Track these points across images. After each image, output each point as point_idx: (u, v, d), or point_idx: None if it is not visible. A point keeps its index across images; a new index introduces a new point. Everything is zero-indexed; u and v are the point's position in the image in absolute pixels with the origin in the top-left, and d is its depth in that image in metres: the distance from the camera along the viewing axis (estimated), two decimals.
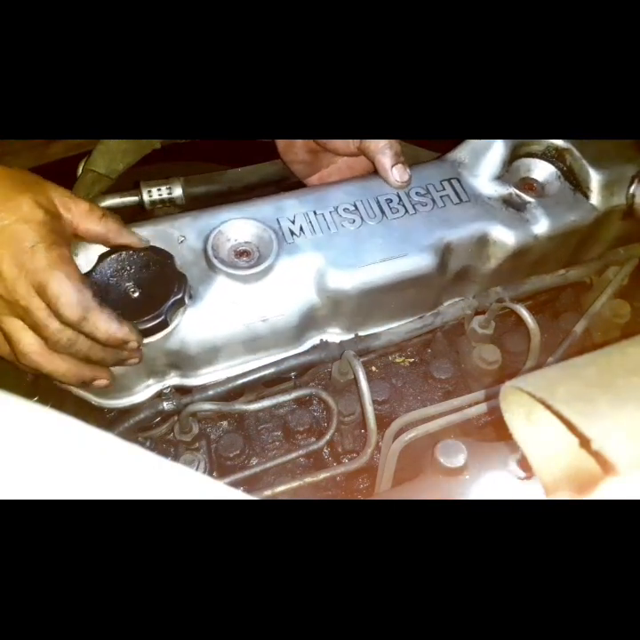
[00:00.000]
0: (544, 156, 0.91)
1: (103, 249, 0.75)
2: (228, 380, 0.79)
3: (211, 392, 0.78)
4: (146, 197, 0.98)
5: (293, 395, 0.81)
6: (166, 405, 0.76)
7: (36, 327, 0.65)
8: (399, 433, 0.74)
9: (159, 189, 0.99)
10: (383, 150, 0.84)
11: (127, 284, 0.72)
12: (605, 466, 0.36)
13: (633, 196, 0.88)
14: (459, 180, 0.87)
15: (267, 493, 0.75)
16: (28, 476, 0.33)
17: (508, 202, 0.86)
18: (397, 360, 0.91)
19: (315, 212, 0.82)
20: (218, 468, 0.81)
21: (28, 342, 0.66)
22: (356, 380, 0.78)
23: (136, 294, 0.72)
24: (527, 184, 0.89)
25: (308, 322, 0.81)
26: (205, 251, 0.77)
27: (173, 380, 0.80)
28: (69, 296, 0.64)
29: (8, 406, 0.36)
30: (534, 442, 0.47)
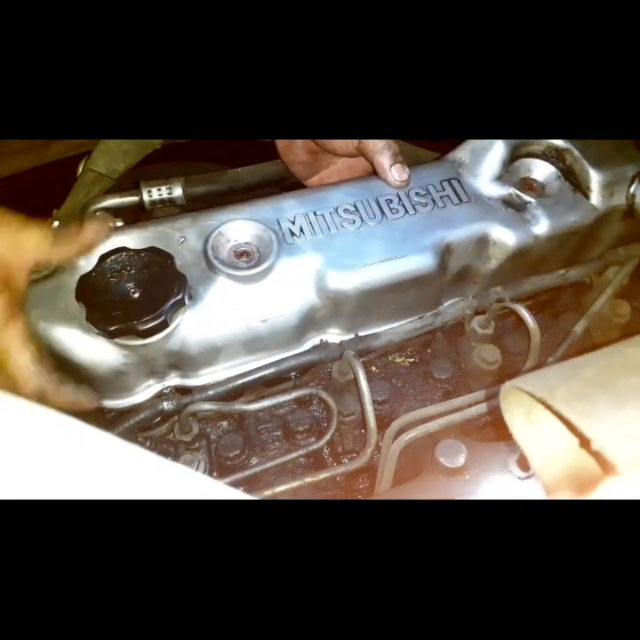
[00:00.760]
0: (544, 156, 0.91)
1: (101, 249, 0.75)
2: (228, 380, 0.79)
3: (211, 392, 0.78)
4: (146, 197, 0.98)
5: (293, 395, 0.81)
6: (166, 405, 0.76)
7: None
8: (399, 433, 0.74)
9: (159, 189, 0.99)
10: (381, 150, 0.84)
11: (127, 285, 0.72)
12: (605, 466, 0.36)
13: (633, 195, 0.88)
14: (459, 181, 0.87)
15: (267, 493, 0.75)
16: (28, 475, 0.33)
17: (508, 202, 0.86)
18: (397, 360, 0.91)
19: (315, 213, 0.82)
20: (218, 468, 0.81)
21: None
22: (356, 380, 0.78)
23: (136, 295, 0.72)
24: (527, 184, 0.89)
25: (308, 322, 0.81)
26: (205, 251, 0.77)
27: (173, 380, 0.80)
28: (26, 378, 0.65)
29: (8, 406, 0.36)
30: (534, 442, 0.47)
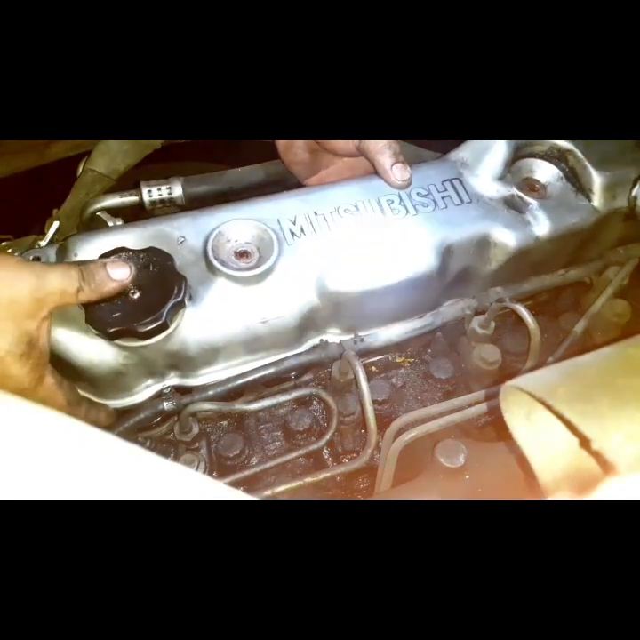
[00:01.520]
0: (547, 156, 0.90)
1: (101, 250, 0.75)
2: (228, 380, 0.79)
3: (211, 392, 0.78)
4: (146, 197, 0.98)
5: (293, 395, 0.81)
6: (166, 405, 0.76)
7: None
8: (399, 433, 0.74)
9: (159, 189, 0.99)
10: (382, 151, 0.84)
11: (127, 286, 0.72)
12: (605, 466, 0.36)
13: (635, 198, 0.88)
14: (460, 181, 0.87)
15: (267, 493, 0.75)
16: (28, 476, 0.33)
17: (509, 203, 0.86)
18: (397, 360, 0.91)
19: (316, 213, 0.82)
20: (218, 468, 0.81)
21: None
22: (356, 380, 0.78)
23: (136, 296, 0.71)
24: (529, 185, 0.89)
25: (308, 323, 0.81)
26: (205, 251, 0.76)
27: (173, 380, 0.80)
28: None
29: (8, 406, 0.36)
30: (534, 442, 0.47)
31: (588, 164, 0.87)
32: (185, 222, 0.80)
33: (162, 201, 0.99)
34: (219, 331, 0.76)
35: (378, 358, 0.90)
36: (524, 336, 0.87)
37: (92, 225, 0.98)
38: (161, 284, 0.72)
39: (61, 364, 0.71)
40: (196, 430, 0.79)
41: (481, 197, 0.86)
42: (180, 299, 0.71)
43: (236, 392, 0.81)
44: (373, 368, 0.90)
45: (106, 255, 0.73)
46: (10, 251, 0.94)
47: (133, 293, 0.72)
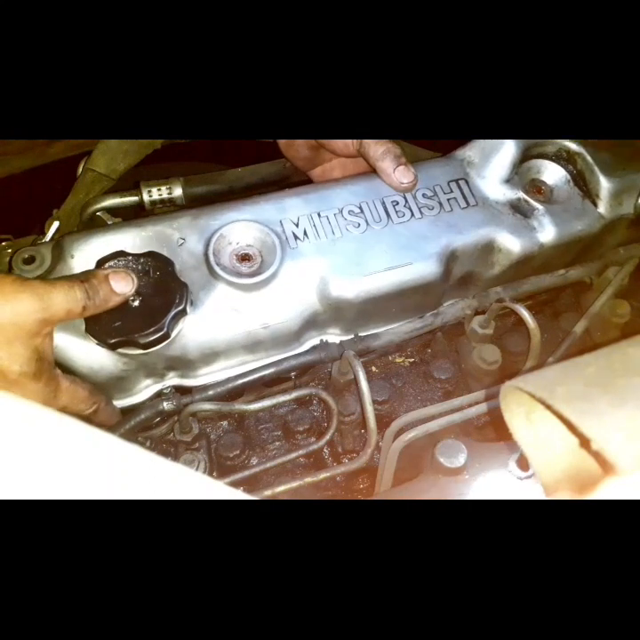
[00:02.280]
0: (555, 158, 0.89)
1: (97, 249, 0.74)
2: (228, 380, 0.79)
3: (211, 392, 0.77)
4: (146, 197, 0.98)
5: (293, 395, 0.81)
6: (166, 405, 0.76)
7: None
8: (399, 433, 0.74)
9: (159, 189, 0.99)
10: (382, 156, 0.82)
11: None
12: (605, 466, 0.36)
13: None
14: (466, 182, 0.85)
15: (267, 493, 0.75)
16: (28, 476, 0.33)
17: (515, 207, 0.85)
18: (397, 360, 0.91)
19: (319, 214, 0.80)
20: (218, 468, 0.81)
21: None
22: (356, 380, 0.78)
23: (136, 303, 0.70)
24: (536, 187, 0.88)
25: (309, 325, 0.80)
26: (206, 255, 0.75)
27: (173, 380, 0.80)
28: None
29: (8, 407, 0.36)
30: (534, 442, 0.47)
31: (597, 169, 0.86)
32: (185, 222, 0.78)
33: (162, 201, 0.99)
34: (219, 336, 0.75)
35: (378, 358, 0.90)
36: (523, 336, 0.87)
37: (92, 225, 0.97)
38: (161, 291, 0.70)
39: (61, 369, 0.71)
40: (196, 430, 0.79)
41: (487, 200, 0.84)
42: (181, 308, 0.70)
43: (236, 392, 0.81)
44: (373, 368, 0.90)
45: (104, 260, 0.72)
46: (10, 251, 0.94)
47: (133, 301, 0.70)
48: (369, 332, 0.85)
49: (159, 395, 0.79)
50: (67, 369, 0.72)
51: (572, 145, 0.88)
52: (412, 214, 0.82)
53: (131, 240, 0.76)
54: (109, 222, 0.96)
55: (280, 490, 0.75)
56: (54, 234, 0.94)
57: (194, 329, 0.74)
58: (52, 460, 0.34)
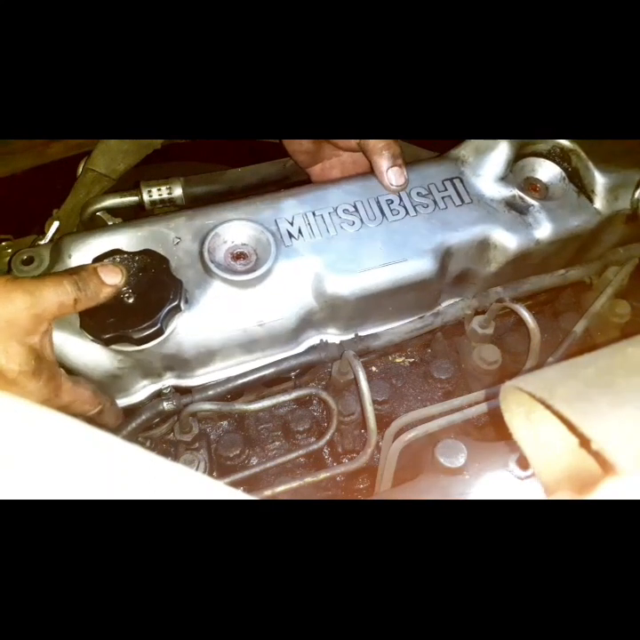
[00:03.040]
0: (549, 155, 0.89)
1: (95, 250, 0.74)
2: (228, 380, 0.79)
3: (211, 392, 0.77)
4: (146, 197, 0.98)
5: (293, 395, 0.81)
6: (166, 405, 0.76)
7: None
8: (399, 433, 0.74)
9: (159, 189, 0.99)
10: (380, 151, 0.82)
11: (122, 289, 0.70)
12: (605, 466, 0.36)
13: (638, 200, 0.87)
14: (461, 180, 0.85)
15: (267, 493, 0.75)
16: (28, 476, 0.33)
17: (510, 204, 0.85)
18: (397, 360, 0.91)
19: (314, 213, 0.80)
20: (218, 468, 0.81)
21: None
22: (356, 380, 0.78)
23: (131, 300, 0.70)
24: (531, 184, 0.88)
25: (306, 324, 0.80)
26: (202, 253, 0.75)
27: (170, 380, 0.80)
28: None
29: (8, 407, 0.36)
30: (534, 442, 0.47)
31: (591, 165, 0.86)
32: (181, 222, 0.79)
33: (162, 201, 0.99)
34: (215, 334, 0.75)
35: (378, 358, 0.90)
36: (524, 336, 0.87)
37: (92, 225, 0.98)
38: (156, 288, 0.71)
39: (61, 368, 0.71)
40: (196, 430, 0.79)
41: (482, 198, 0.85)
42: (175, 303, 0.70)
43: (235, 392, 0.81)
44: (373, 368, 0.90)
45: (100, 258, 0.72)
46: (10, 251, 0.94)
47: (128, 297, 0.70)
48: (368, 332, 0.85)
49: (159, 395, 0.79)
50: (63, 366, 0.72)
51: (565, 142, 0.88)
52: (407, 212, 0.82)
53: (127, 240, 0.77)
54: (109, 222, 0.96)
55: (280, 490, 0.75)
56: (54, 234, 0.94)
57: (189, 327, 0.74)
58: (52, 460, 0.34)
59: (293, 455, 0.80)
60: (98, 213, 0.98)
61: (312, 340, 0.84)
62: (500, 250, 0.83)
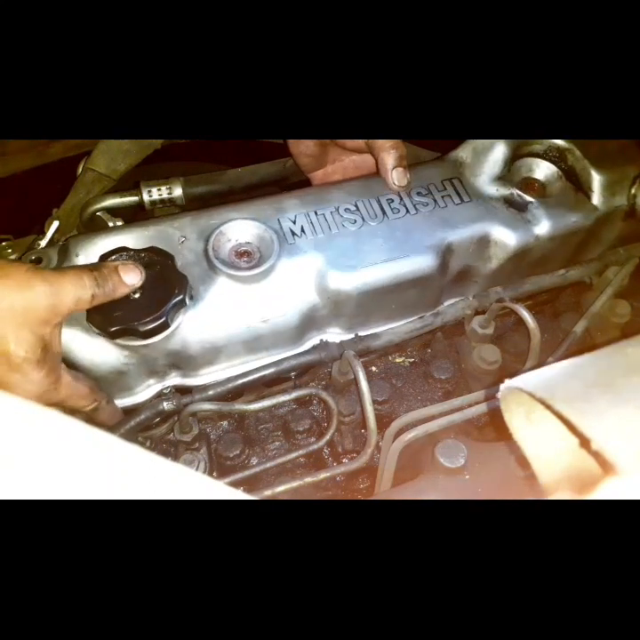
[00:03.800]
0: (546, 155, 0.90)
1: (102, 251, 0.75)
2: (228, 379, 0.79)
3: (211, 392, 0.78)
4: (146, 197, 0.98)
5: (293, 395, 0.81)
6: (166, 405, 0.76)
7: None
8: (399, 433, 0.74)
9: (159, 189, 0.99)
10: (388, 149, 0.84)
11: None
12: (605, 466, 0.36)
13: (634, 196, 0.88)
14: (460, 180, 0.87)
15: (267, 493, 0.75)
16: (28, 476, 0.33)
17: (509, 202, 0.86)
18: (397, 360, 0.91)
19: (316, 212, 0.82)
20: (218, 468, 0.81)
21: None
22: (356, 380, 0.78)
23: (136, 295, 0.71)
24: (529, 184, 0.89)
25: (309, 322, 0.81)
26: (206, 251, 0.76)
27: (174, 379, 0.80)
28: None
29: (8, 407, 0.36)
30: (534, 442, 0.47)
31: (588, 163, 0.87)
32: (186, 222, 0.80)
33: (162, 201, 0.99)
34: (220, 330, 0.76)
35: (378, 358, 0.90)
36: (523, 336, 0.87)
37: (92, 225, 0.98)
38: (162, 284, 0.72)
39: (65, 362, 0.72)
40: (196, 430, 0.79)
41: (481, 196, 0.86)
42: (181, 298, 0.71)
43: (236, 392, 0.81)
44: (373, 368, 0.90)
45: (107, 255, 0.74)
46: (10, 251, 0.94)
47: (134, 293, 0.72)
48: (370, 331, 0.85)
49: (159, 395, 0.79)
50: (69, 362, 0.72)
51: (560, 142, 0.89)
52: (408, 211, 0.83)
53: (134, 240, 0.78)
54: (109, 222, 0.96)
55: (280, 490, 0.75)
56: (54, 233, 0.94)
57: (194, 323, 0.74)
58: (52, 460, 0.34)
59: (293, 455, 0.80)
60: (98, 213, 0.98)
61: (314, 340, 0.84)
62: (500, 246, 0.84)
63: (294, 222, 0.81)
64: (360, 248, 0.79)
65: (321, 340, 0.83)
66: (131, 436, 0.77)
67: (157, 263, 0.73)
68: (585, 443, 0.37)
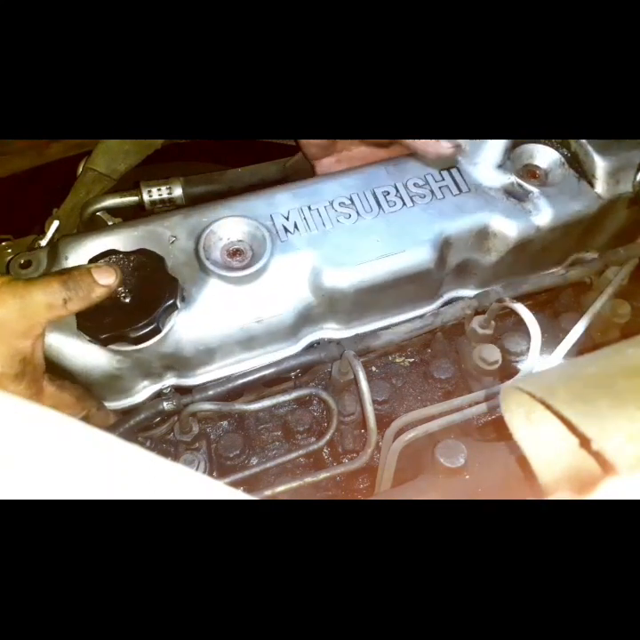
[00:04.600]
0: (548, 141, 0.88)
1: (92, 251, 0.74)
2: (228, 379, 0.79)
3: (211, 392, 0.77)
4: (146, 197, 0.98)
5: (293, 395, 0.81)
6: (166, 405, 0.76)
7: None
8: (399, 433, 0.74)
9: (159, 189, 0.99)
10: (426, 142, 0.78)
11: (118, 289, 0.70)
12: (605, 466, 0.36)
13: (639, 183, 0.85)
14: (458, 169, 0.85)
15: (267, 493, 0.75)
16: (28, 476, 0.33)
17: (509, 191, 0.84)
18: (397, 360, 0.91)
19: (309, 207, 0.80)
20: (218, 468, 0.81)
21: None
22: (356, 380, 0.78)
23: (127, 300, 0.70)
24: (530, 171, 0.86)
25: (304, 320, 0.80)
26: (197, 251, 0.75)
27: (171, 380, 0.80)
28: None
29: (8, 407, 0.36)
30: (534, 442, 0.47)
31: (591, 149, 0.85)
32: (176, 221, 0.79)
33: (162, 201, 0.99)
34: (213, 331, 0.75)
35: (378, 358, 0.90)
36: (523, 336, 0.86)
37: (92, 225, 0.98)
38: (152, 287, 0.71)
39: (56, 369, 0.71)
40: (195, 430, 0.79)
41: (480, 186, 0.84)
42: (171, 302, 0.70)
43: (235, 392, 0.81)
44: (373, 368, 0.90)
45: (95, 259, 0.72)
46: (10, 251, 0.94)
47: (125, 297, 0.70)
48: (367, 326, 0.84)
49: (159, 395, 0.79)
50: (61, 368, 0.72)
51: None
52: (404, 203, 0.82)
53: (123, 240, 0.76)
54: (109, 222, 0.96)
55: (280, 490, 0.75)
56: (54, 233, 0.94)
57: (186, 325, 0.74)
58: (51, 460, 0.34)
59: (293, 455, 0.80)
60: (98, 213, 0.98)
61: (311, 336, 0.83)
62: (500, 238, 0.83)
63: (287, 218, 0.79)
64: (355, 244, 0.78)
65: (321, 340, 0.83)
66: (130, 436, 0.77)
67: (147, 266, 0.72)
68: (585, 443, 0.37)
